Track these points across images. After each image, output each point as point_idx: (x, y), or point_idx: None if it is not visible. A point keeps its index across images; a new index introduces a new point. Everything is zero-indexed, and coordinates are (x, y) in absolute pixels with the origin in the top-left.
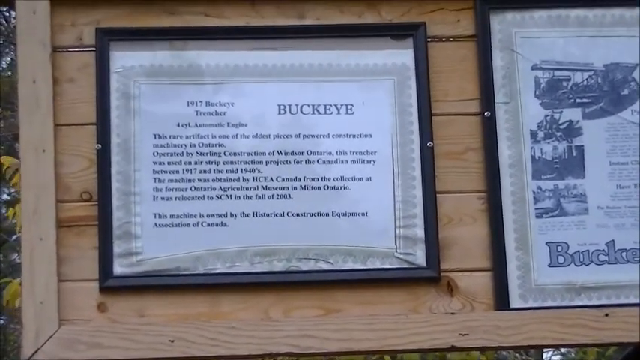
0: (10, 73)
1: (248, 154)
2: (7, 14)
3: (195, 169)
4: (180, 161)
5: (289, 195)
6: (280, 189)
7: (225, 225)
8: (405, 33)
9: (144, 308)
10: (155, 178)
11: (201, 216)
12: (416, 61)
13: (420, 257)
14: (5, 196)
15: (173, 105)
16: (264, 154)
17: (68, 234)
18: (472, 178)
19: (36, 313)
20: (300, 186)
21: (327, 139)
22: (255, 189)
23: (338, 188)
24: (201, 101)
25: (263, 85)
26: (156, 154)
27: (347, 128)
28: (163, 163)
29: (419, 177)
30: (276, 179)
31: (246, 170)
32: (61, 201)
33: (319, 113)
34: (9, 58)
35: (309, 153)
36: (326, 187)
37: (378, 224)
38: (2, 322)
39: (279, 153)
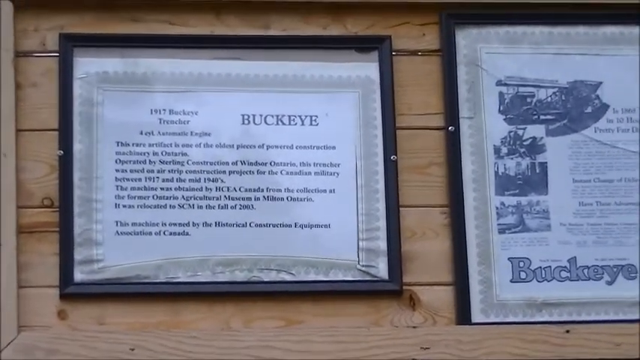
0: None
1: (211, 163)
2: None
3: (157, 177)
4: (143, 169)
5: (252, 205)
6: (243, 199)
7: (188, 234)
8: (370, 46)
9: (104, 316)
10: (117, 186)
11: (164, 224)
12: (381, 74)
13: (382, 270)
14: None
15: (136, 113)
16: (228, 163)
17: (29, 240)
18: (435, 192)
19: None
20: (263, 196)
21: (290, 150)
22: (217, 199)
23: (301, 199)
24: (164, 109)
25: (227, 94)
26: (118, 161)
27: (311, 140)
28: (126, 171)
29: (382, 190)
30: (239, 189)
31: (209, 180)
32: (22, 207)
33: (283, 124)
34: None
35: (272, 164)
36: (289, 198)
37: (340, 236)
38: None
39: (243, 163)
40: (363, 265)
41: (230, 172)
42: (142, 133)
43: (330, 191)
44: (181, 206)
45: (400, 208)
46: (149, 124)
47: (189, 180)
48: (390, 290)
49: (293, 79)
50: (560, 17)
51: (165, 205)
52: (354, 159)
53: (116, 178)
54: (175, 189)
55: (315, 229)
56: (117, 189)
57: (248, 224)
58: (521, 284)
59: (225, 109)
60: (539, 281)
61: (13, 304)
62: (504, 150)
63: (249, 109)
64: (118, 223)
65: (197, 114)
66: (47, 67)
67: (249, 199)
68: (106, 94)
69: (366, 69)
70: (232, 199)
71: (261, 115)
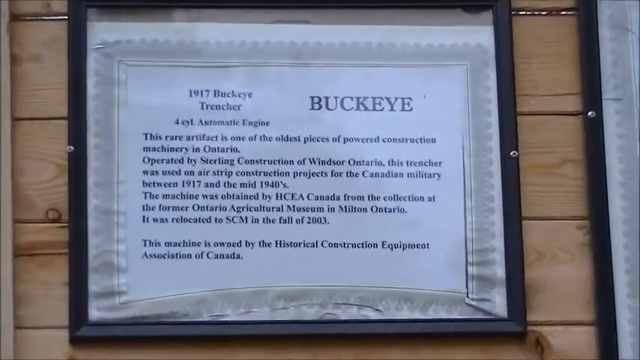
0: None
1: (270, 162)
2: None
3: (199, 181)
4: (180, 170)
5: (324, 218)
6: (313, 210)
7: (239, 257)
8: (482, 4)
9: None
10: (146, 193)
11: (207, 244)
12: (496, 42)
13: (499, 305)
14: None
15: (171, 94)
16: (292, 162)
17: (29, 265)
18: (570, 200)
19: None
20: (340, 207)
21: (375, 144)
22: (278, 209)
23: (390, 210)
24: (208, 90)
25: (291, 69)
26: (147, 160)
27: (403, 130)
28: (157, 173)
29: (498, 197)
30: (307, 197)
31: (267, 184)
32: (20, 221)
33: (365, 109)
34: None
35: (351, 162)
36: (374, 209)
37: (443, 260)
38: None
39: (312, 162)
40: (473, 299)
41: (295, 174)
42: (178, 123)
43: (429, 199)
44: (230, 220)
45: (522, 222)
46: (188, 110)
47: (240, 184)
48: (510, 332)
49: (379, 50)
50: None
51: (210, 218)
52: (460, 156)
53: (144, 182)
54: (223, 197)
55: (410, 250)
56: (145, 197)
57: (319, 244)
58: None
59: (289, 90)
60: None
61: (8, 349)
62: None
63: (320, 89)
64: (147, 243)
65: (251, 96)
66: (53, 35)
67: (321, 209)
68: (130, 70)
69: (477, 34)
70: (298, 209)
71: (336, 98)
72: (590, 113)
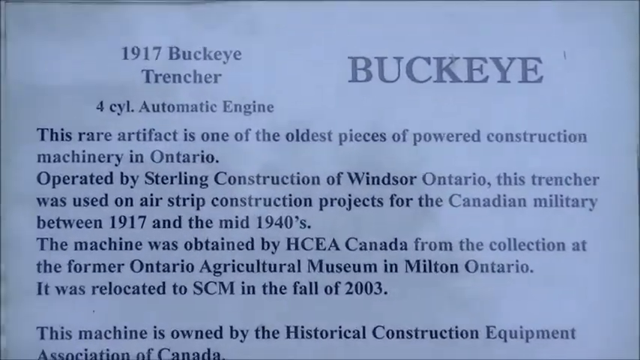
0: None
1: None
2: None
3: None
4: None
5: (368, 286)
6: (358, 269)
7: None
8: None
9: None
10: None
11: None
12: None
13: None
14: None
15: (90, 50)
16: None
17: None
18: None
19: None
20: (408, 263)
21: (473, 143)
22: (293, 268)
23: (498, 269)
24: (158, 47)
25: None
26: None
27: (524, 118)
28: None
29: None
30: (348, 244)
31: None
32: None
33: (454, 79)
34: None
35: (428, 180)
36: (471, 267)
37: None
38: None
39: (355, 178)
40: None
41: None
42: (101, 108)
43: (575, 247)
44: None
45: None
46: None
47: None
48: None
49: None
50: None
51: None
52: (634, 164)
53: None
54: None
55: (537, 341)
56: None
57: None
58: None
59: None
60: None
61: None
62: None
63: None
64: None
65: (239, 57)
66: None
67: (368, 268)
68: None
69: None
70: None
71: (398, 60)
72: None
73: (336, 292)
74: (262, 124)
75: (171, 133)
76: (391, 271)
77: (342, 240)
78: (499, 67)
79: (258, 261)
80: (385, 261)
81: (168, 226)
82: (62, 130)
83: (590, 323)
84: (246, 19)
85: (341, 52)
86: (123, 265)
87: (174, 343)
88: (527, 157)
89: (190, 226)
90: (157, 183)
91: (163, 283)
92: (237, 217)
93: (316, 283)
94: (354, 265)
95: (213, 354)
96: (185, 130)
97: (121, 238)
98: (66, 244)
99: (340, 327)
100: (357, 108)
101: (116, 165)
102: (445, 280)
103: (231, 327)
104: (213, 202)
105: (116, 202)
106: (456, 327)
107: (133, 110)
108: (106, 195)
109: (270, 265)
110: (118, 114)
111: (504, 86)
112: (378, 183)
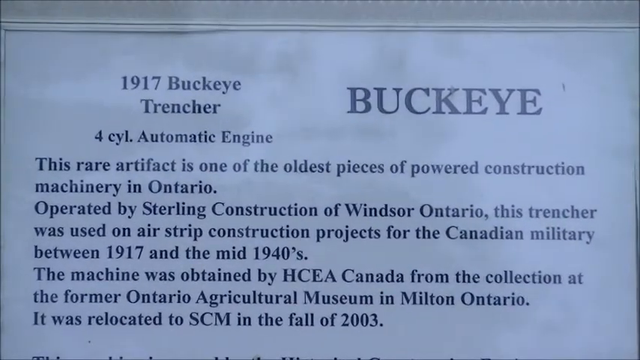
0: None
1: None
2: None
3: None
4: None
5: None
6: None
7: None
8: None
9: None
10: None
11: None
12: None
13: None
14: None
15: (92, 84)
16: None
17: None
18: None
19: None
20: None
21: (471, 175)
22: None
23: (498, 302)
24: (157, 77)
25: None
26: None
27: (523, 149)
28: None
29: None
30: (344, 277)
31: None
32: None
33: (453, 111)
34: None
35: (425, 212)
36: (468, 300)
37: None
38: None
39: (352, 210)
40: None
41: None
42: (99, 138)
43: (571, 280)
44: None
45: None
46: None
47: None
48: None
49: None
50: None
51: None
52: (631, 198)
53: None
54: None
55: None
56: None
57: None
58: None
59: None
60: None
61: None
62: None
63: (360, 78)
64: None
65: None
66: None
67: (364, 300)
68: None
69: None
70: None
71: (397, 91)
72: None
73: (332, 324)
74: (261, 155)
75: (170, 163)
76: (387, 302)
77: (338, 271)
78: (498, 99)
79: (254, 292)
80: (381, 293)
81: (165, 257)
82: (60, 159)
83: (587, 356)
84: (246, 49)
85: (340, 82)
86: (119, 295)
87: None
88: (524, 189)
89: (187, 257)
90: (154, 213)
91: (159, 313)
92: (234, 247)
93: (312, 314)
94: (350, 297)
95: None
96: (183, 160)
97: (117, 269)
98: (63, 274)
99: (336, 358)
100: (355, 139)
101: (114, 195)
102: (441, 312)
103: (227, 358)
104: (210, 232)
105: (113, 233)
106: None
107: (131, 140)
108: (104, 225)
109: (266, 296)
110: (117, 144)
111: (503, 118)
112: (375, 214)
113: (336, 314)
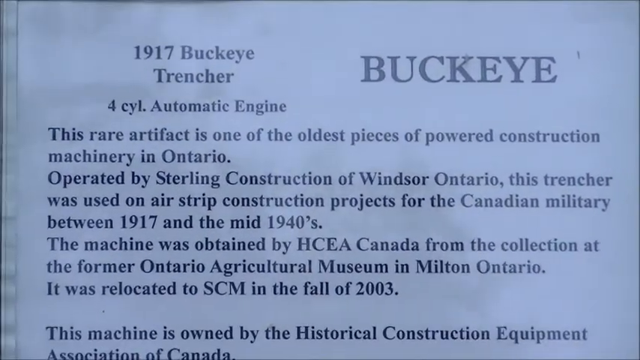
0: None
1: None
2: None
3: None
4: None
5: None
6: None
7: None
8: None
9: None
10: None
11: None
12: None
13: None
14: None
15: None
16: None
17: None
18: None
19: None
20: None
21: (485, 143)
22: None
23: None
24: (170, 46)
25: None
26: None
27: (538, 117)
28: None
29: None
30: (359, 245)
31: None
32: None
33: (467, 79)
34: None
35: (440, 180)
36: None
37: None
38: None
39: (367, 178)
40: None
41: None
42: (112, 107)
43: (587, 247)
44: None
45: None
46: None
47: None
48: None
49: None
50: None
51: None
52: None
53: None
54: None
55: (548, 342)
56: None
57: None
58: None
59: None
60: None
61: None
62: None
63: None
64: None
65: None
66: None
67: (379, 268)
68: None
69: None
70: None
71: (411, 59)
72: None
73: (347, 293)
74: (274, 124)
75: (183, 132)
76: (402, 271)
77: (353, 240)
78: (512, 67)
79: (268, 261)
80: (396, 261)
81: (179, 226)
82: (74, 129)
83: (602, 324)
84: (259, 18)
85: (354, 51)
86: (133, 265)
87: (184, 344)
88: (539, 157)
89: (201, 226)
90: (168, 183)
91: (174, 283)
92: (248, 216)
93: (327, 283)
94: (365, 266)
95: (223, 354)
96: (197, 129)
97: (131, 238)
98: (76, 244)
99: (351, 327)
100: (369, 108)
101: (127, 165)
102: (456, 280)
103: (242, 327)
104: (224, 201)
105: (127, 202)
106: (467, 327)
107: (144, 110)
108: (117, 195)
109: (281, 265)
110: (130, 113)
111: (518, 86)
112: (390, 183)
113: (351, 283)
